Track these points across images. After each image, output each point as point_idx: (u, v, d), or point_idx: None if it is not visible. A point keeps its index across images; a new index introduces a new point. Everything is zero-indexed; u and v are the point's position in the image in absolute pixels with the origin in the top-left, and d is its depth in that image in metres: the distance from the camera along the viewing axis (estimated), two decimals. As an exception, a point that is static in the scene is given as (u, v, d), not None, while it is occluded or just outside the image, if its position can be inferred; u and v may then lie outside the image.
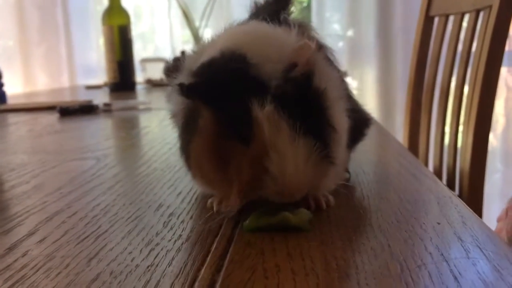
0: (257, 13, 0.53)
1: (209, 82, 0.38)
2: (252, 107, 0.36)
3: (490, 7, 1.10)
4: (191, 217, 0.42)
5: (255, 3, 0.56)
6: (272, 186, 0.36)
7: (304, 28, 0.49)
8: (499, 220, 1.06)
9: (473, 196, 1.12)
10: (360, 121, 0.48)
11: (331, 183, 0.46)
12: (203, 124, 0.39)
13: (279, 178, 0.36)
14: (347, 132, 0.43)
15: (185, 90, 0.38)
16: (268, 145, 0.36)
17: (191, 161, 0.42)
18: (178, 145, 0.46)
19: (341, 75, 0.49)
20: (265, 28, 0.43)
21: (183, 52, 1.84)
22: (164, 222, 0.40)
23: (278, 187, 0.36)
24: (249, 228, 0.37)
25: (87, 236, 0.38)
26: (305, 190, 0.37)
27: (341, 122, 0.41)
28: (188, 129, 0.42)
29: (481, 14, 1.16)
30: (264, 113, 0.36)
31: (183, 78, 0.43)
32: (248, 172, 0.37)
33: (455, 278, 0.29)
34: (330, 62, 0.48)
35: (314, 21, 2.09)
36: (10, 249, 0.36)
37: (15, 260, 0.34)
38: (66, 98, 1.57)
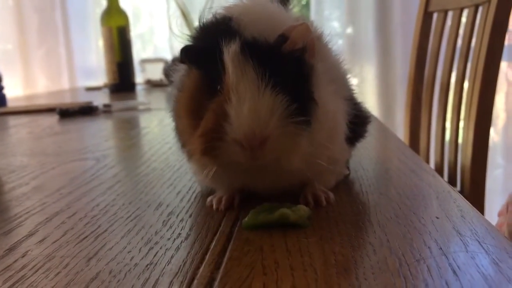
0: None
1: (196, 45, 0.41)
2: (224, 54, 0.37)
3: (489, 1, 1.10)
4: (190, 216, 0.42)
5: None
6: (231, 132, 0.36)
7: None
8: (500, 214, 1.06)
9: (475, 191, 1.12)
10: (360, 119, 0.48)
11: (332, 180, 0.46)
12: (186, 83, 0.41)
13: (235, 121, 0.36)
14: (340, 118, 0.42)
15: (181, 54, 0.41)
16: (230, 87, 0.36)
17: (174, 115, 0.44)
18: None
19: (345, 72, 0.49)
20: (266, 4, 0.43)
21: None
22: (164, 221, 0.40)
23: (234, 132, 0.36)
24: (248, 225, 0.37)
25: (86, 236, 0.38)
26: (264, 141, 0.36)
27: (327, 101, 0.40)
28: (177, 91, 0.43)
29: (480, 8, 1.16)
30: (230, 54, 0.37)
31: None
32: (211, 118, 0.37)
33: (454, 271, 0.29)
34: (335, 58, 0.48)
35: (313, 19, 2.09)
36: (10, 249, 0.36)
37: (15, 261, 0.34)
38: (66, 100, 1.58)
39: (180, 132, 0.44)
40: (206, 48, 0.39)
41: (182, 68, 0.44)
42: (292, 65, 0.38)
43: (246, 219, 0.38)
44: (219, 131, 0.36)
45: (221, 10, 0.43)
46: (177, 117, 0.44)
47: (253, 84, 0.36)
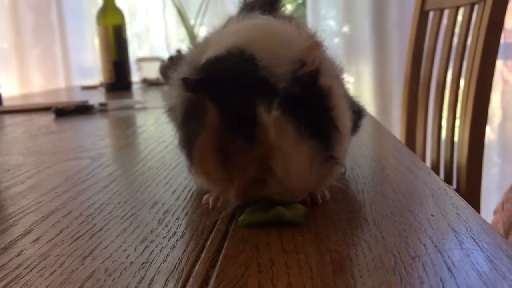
0: (248, 8, 0.53)
1: (218, 79, 0.37)
2: (258, 110, 0.35)
3: (485, 0, 1.10)
4: (186, 214, 0.42)
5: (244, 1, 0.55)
6: (276, 187, 0.36)
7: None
8: (495, 212, 1.07)
9: (471, 189, 1.13)
10: (354, 114, 0.48)
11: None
12: (209, 120, 0.38)
13: (283, 179, 0.36)
14: (349, 130, 0.43)
15: (192, 84, 0.37)
16: (274, 146, 0.35)
17: (194, 157, 0.40)
18: (177, 138, 0.45)
19: (340, 71, 0.49)
20: (273, 24, 0.42)
21: (178, 51, 1.84)
22: (159, 220, 0.40)
23: (281, 188, 0.36)
24: (244, 223, 0.37)
25: (81, 235, 0.38)
26: (308, 190, 0.38)
27: (345, 122, 0.41)
28: (190, 123, 0.41)
29: (476, 7, 1.17)
30: (270, 118, 0.35)
31: (185, 71, 0.43)
32: (251, 171, 0.36)
33: (449, 269, 0.29)
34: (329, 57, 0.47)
35: (310, 18, 2.09)
36: (5, 248, 0.36)
37: (10, 260, 0.34)
38: (62, 99, 1.57)
39: (198, 161, 0.40)
40: (228, 84, 0.37)
41: (181, 94, 0.42)
42: (315, 97, 0.38)
43: (241, 217, 0.38)
44: (260, 183, 0.37)
45: (235, 39, 0.40)
46: (199, 157, 0.40)
47: (294, 141, 0.36)
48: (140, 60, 2.06)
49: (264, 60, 0.37)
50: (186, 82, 0.38)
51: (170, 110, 0.47)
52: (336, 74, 0.45)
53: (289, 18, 0.47)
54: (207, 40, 0.47)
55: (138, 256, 0.33)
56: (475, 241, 0.33)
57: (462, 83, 1.20)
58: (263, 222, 0.37)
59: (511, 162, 1.90)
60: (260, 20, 0.44)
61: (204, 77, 0.38)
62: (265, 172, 0.36)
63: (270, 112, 0.35)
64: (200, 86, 0.38)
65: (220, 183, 0.40)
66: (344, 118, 0.41)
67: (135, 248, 0.35)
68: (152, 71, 1.96)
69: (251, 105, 0.36)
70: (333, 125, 0.39)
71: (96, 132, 0.91)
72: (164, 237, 0.37)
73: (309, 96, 0.37)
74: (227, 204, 0.42)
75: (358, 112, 0.50)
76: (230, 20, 0.48)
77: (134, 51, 2.26)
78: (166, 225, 0.39)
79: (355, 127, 0.51)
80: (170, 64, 1.78)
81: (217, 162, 0.38)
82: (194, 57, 0.44)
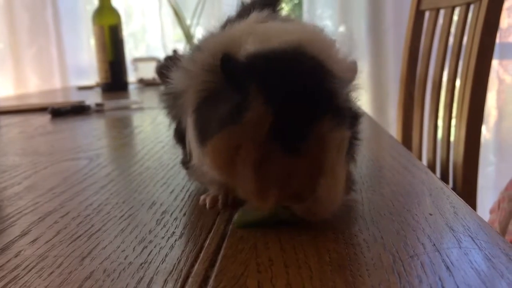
0: (246, 9, 0.53)
1: (279, 72, 0.32)
2: (320, 123, 0.32)
3: (480, 0, 1.10)
4: (184, 214, 0.42)
5: (242, 1, 0.55)
6: (312, 206, 0.33)
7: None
8: (491, 212, 1.07)
9: (467, 188, 1.13)
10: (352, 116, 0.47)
11: None
12: (251, 118, 0.32)
13: (325, 202, 0.33)
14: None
15: (242, 68, 0.32)
16: (325, 166, 0.32)
17: (212, 150, 0.35)
18: (179, 124, 0.42)
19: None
20: (320, 32, 0.38)
21: (175, 51, 1.83)
22: (157, 220, 0.40)
23: (316, 209, 0.33)
24: (240, 224, 0.37)
25: (79, 236, 0.38)
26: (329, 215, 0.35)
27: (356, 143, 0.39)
28: (210, 112, 0.35)
29: (472, 7, 1.17)
30: (334, 135, 0.32)
31: (207, 58, 0.36)
32: (294, 185, 0.33)
33: (447, 267, 0.29)
34: None
35: (306, 18, 2.09)
36: (3, 249, 0.36)
37: (8, 261, 0.34)
38: (58, 99, 1.57)
39: (218, 156, 0.35)
40: (286, 82, 0.32)
41: (199, 76, 0.36)
42: (351, 117, 0.35)
43: (236, 218, 0.38)
44: (295, 198, 0.34)
45: (280, 31, 0.35)
46: (225, 149, 0.34)
47: (343, 163, 0.34)
48: (136, 60, 2.06)
49: (327, 62, 0.32)
50: (231, 64, 0.32)
51: (172, 95, 0.41)
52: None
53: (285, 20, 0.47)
54: (228, 31, 0.40)
55: (136, 257, 0.33)
56: (473, 240, 0.33)
57: (458, 82, 1.21)
58: (258, 222, 0.37)
59: (507, 161, 1.91)
60: (306, 24, 0.40)
61: (262, 65, 0.32)
62: (306, 190, 0.33)
63: (336, 129, 0.32)
64: (251, 73, 0.32)
65: (247, 189, 0.35)
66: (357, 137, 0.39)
67: (134, 248, 0.35)
68: (149, 71, 1.95)
69: (309, 116, 0.32)
70: (353, 151, 0.37)
71: (93, 133, 0.91)
72: (163, 238, 0.36)
73: (351, 116, 0.35)
74: (227, 204, 0.42)
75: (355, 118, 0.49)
76: (229, 21, 0.47)
77: (130, 51, 2.25)
78: (164, 226, 0.39)
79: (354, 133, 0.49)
80: (167, 64, 1.77)
81: (250, 166, 0.33)
82: (215, 46, 0.37)
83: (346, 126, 0.33)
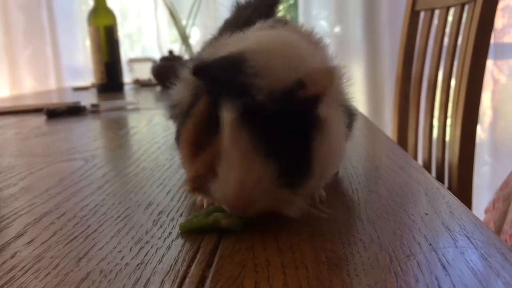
0: (241, 12, 0.53)
1: (210, 70, 0.37)
2: (221, 110, 0.35)
3: (475, 0, 1.11)
4: (181, 215, 0.42)
5: (237, 2, 0.55)
6: (217, 193, 0.35)
7: (288, 26, 0.49)
8: (486, 211, 1.08)
9: (462, 188, 1.14)
10: (349, 117, 0.47)
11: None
12: (195, 109, 0.38)
13: (221, 186, 0.35)
14: (335, 165, 0.40)
15: (193, 68, 0.37)
16: (223, 150, 0.34)
17: (180, 146, 0.41)
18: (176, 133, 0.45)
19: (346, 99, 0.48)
20: (289, 40, 0.40)
21: (170, 52, 1.83)
22: (154, 221, 0.40)
23: (220, 195, 0.35)
24: (184, 228, 0.37)
25: (76, 237, 0.38)
26: (254, 209, 0.35)
27: (326, 161, 0.38)
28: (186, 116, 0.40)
29: (466, 7, 1.17)
30: (227, 117, 0.34)
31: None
32: (203, 166, 0.36)
33: (444, 267, 0.29)
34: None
35: (301, 19, 2.10)
36: (-2, 251, 0.36)
37: (4, 262, 0.34)
38: (54, 100, 1.56)
39: (181, 156, 0.41)
40: (221, 79, 0.36)
41: (191, 82, 0.41)
42: (297, 121, 0.35)
43: (183, 222, 0.38)
44: (208, 181, 0.36)
45: (242, 41, 0.39)
46: (180, 142, 0.40)
47: (245, 153, 0.34)
48: (132, 61, 2.05)
49: (253, 69, 0.35)
50: (192, 67, 0.38)
51: (173, 107, 0.46)
52: (342, 101, 0.43)
53: (281, 21, 0.47)
54: (221, 42, 0.45)
55: (133, 257, 0.33)
56: (469, 239, 0.33)
57: (453, 82, 1.21)
58: (201, 228, 0.37)
59: (502, 161, 1.91)
60: (278, 33, 0.42)
61: (199, 64, 0.38)
62: (213, 174, 0.35)
63: (232, 113, 0.34)
64: (196, 71, 0.37)
65: (187, 171, 0.40)
66: (327, 157, 0.37)
67: (130, 249, 0.35)
68: (144, 72, 1.95)
69: (216, 104, 0.35)
70: (308, 158, 0.36)
71: (89, 133, 0.91)
72: (159, 238, 0.36)
73: (291, 119, 0.35)
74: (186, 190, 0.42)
75: (352, 116, 0.48)
76: (226, 23, 0.48)
77: (126, 52, 2.25)
78: (161, 226, 0.39)
79: (349, 130, 0.49)
80: (163, 65, 1.78)
81: (189, 153, 0.38)
82: (204, 55, 0.45)
83: (247, 115, 0.34)
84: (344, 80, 0.46)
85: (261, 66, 0.35)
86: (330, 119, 0.37)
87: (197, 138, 0.38)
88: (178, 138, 0.42)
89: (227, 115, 0.34)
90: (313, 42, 0.46)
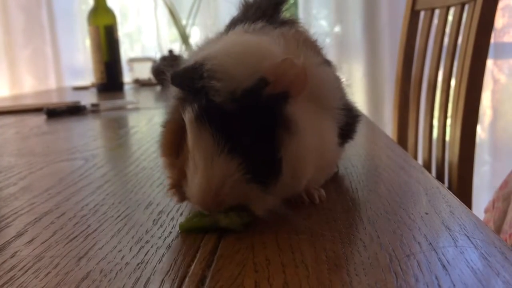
0: (246, 11, 0.53)
1: (180, 76, 0.39)
2: (183, 114, 0.37)
3: (475, 0, 1.11)
4: (181, 214, 0.42)
5: (245, 1, 0.55)
6: (188, 193, 0.37)
7: (292, 24, 0.50)
8: (486, 211, 1.08)
9: (462, 188, 1.13)
10: (351, 119, 0.47)
11: (321, 178, 0.46)
12: (171, 117, 0.41)
13: (190, 187, 0.37)
14: (310, 164, 0.39)
15: (169, 77, 0.40)
16: (190, 151, 0.36)
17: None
18: None
19: (338, 78, 0.48)
20: (245, 42, 0.41)
21: (170, 51, 1.83)
22: (154, 220, 0.40)
23: (189, 195, 0.37)
24: (183, 228, 0.38)
25: (76, 236, 0.38)
26: (219, 205, 0.36)
27: (302, 159, 0.37)
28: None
29: (466, 7, 1.17)
30: (188, 118, 0.36)
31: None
32: (177, 172, 0.38)
33: (444, 266, 0.29)
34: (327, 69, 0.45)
35: (301, 18, 2.10)
36: (-2, 250, 0.36)
37: (4, 261, 0.34)
38: (53, 100, 1.56)
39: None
40: (184, 86, 0.39)
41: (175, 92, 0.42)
42: (262, 119, 0.36)
43: (183, 221, 0.38)
44: (183, 184, 0.38)
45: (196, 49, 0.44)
46: (159, 150, 0.43)
47: (207, 151, 0.35)
48: (132, 60, 2.05)
49: (209, 73, 0.36)
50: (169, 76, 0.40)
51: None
52: (330, 105, 0.42)
53: (285, 21, 0.48)
54: (201, 47, 0.49)
55: (133, 257, 0.33)
56: (469, 239, 0.33)
57: (453, 82, 1.21)
58: (201, 227, 0.37)
59: (502, 161, 1.91)
60: (235, 37, 0.44)
61: (172, 73, 0.40)
62: (184, 178, 0.37)
63: (187, 116, 0.36)
64: (171, 79, 0.40)
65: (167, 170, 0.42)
66: (299, 157, 0.37)
67: (130, 248, 0.35)
68: (144, 72, 1.95)
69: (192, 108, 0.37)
70: (275, 156, 0.36)
71: (89, 133, 0.91)
72: (159, 238, 0.36)
73: (254, 118, 0.35)
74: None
75: (355, 117, 0.48)
76: (232, 21, 0.48)
77: (126, 51, 2.25)
78: (161, 226, 0.39)
79: (352, 132, 0.49)
80: (162, 65, 1.78)
81: (167, 160, 0.41)
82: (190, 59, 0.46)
83: (204, 116, 0.36)
84: (340, 84, 0.47)
85: (217, 70, 0.36)
86: (304, 120, 0.38)
87: (173, 145, 0.40)
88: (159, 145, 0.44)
89: (186, 117, 0.36)
90: (310, 46, 0.46)
